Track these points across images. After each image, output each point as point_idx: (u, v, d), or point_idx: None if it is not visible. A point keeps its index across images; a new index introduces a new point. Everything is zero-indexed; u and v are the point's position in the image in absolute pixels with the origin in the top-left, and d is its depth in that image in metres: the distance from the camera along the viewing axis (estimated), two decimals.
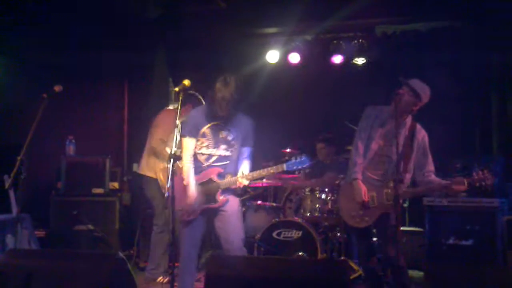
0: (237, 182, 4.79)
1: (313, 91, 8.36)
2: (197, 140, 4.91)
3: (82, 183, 6.99)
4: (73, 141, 7.24)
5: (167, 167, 6.02)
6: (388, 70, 7.87)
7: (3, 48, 8.07)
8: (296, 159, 4.80)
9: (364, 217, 4.96)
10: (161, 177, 6.13)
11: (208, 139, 4.89)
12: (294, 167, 4.81)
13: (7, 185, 5.43)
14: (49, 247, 6.67)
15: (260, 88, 8.29)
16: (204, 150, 4.90)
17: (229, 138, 4.89)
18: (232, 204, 4.93)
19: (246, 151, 4.98)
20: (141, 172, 6.30)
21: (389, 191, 4.82)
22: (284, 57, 8.19)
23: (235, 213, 4.94)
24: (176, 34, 8.29)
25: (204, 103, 5.93)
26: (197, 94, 6.13)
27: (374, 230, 5.32)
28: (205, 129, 4.90)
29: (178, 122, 4.59)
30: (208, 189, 4.87)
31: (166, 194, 4.62)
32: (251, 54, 8.41)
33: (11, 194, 6.09)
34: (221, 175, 4.88)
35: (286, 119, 8.49)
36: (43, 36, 7.83)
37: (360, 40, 7.84)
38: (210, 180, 4.87)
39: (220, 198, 4.84)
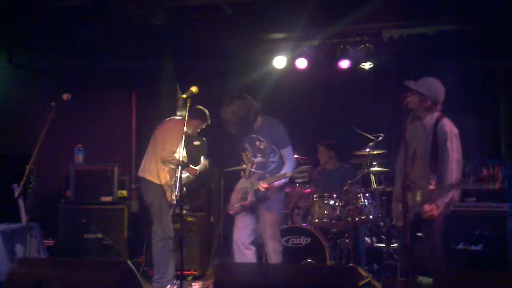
0: (258, 186, 5.32)
1: (320, 96, 8.36)
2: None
3: (90, 191, 7.00)
4: (82, 149, 7.26)
5: (173, 168, 6.06)
6: (395, 74, 7.86)
7: (12, 57, 8.11)
8: (299, 168, 5.35)
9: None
10: (167, 177, 6.12)
11: (249, 151, 5.53)
12: (297, 175, 5.49)
13: (16, 194, 5.44)
14: (58, 256, 6.68)
15: (267, 93, 8.30)
16: (248, 159, 5.54)
17: (262, 147, 5.45)
18: (268, 207, 5.41)
19: (285, 152, 5.47)
20: (141, 175, 6.28)
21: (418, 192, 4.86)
22: (291, 62, 8.19)
23: (267, 215, 5.41)
24: (183, 41, 8.31)
25: (209, 122, 6.35)
26: (203, 108, 6.21)
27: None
28: (246, 143, 5.54)
29: (185, 129, 4.61)
30: (245, 189, 5.46)
31: (174, 202, 4.68)
32: (258, 60, 8.42)
33: (21, 203, 6.13)
34: (260, 177, 5.38)
35: (293, 124, 8.41)
36: (51, 45, 7.87)
37: (367, 45, 7.82)
38: (250, 182, 5.44)
39: (249, 197, 5.39)
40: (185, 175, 6.26)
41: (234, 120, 5.27)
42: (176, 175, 6.00)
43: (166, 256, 6.11)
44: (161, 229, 6.11)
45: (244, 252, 5.40)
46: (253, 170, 5.46)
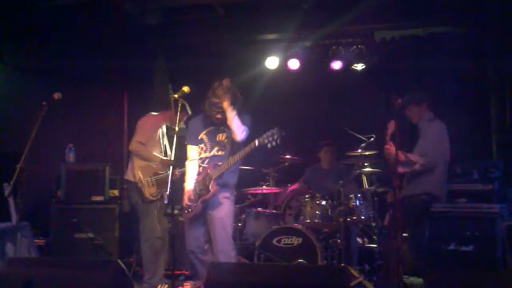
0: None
1: (312, 97, 8.36)
2: (198, 147, 5.23)
3: (82, 190, 6.97)
4: (73, 148, 7.24)
5: (147, 164, 6.02)
6: (388, 75, 7.89)
7: (3, 56, 8.08)
8: (267, 133, 4.81)
9: None
10: (139, 173, 6.06)
11: (204, 144, 5.21)
12: (266, 141, 4.76)
13: (6, 193, 5.43)
14: (49, 255, 6.65)
15: (259, 94, 8.31)
16: (202, 155, 5.23)
17: (224, 138, 5.18)
18: (222, 208, 5.14)
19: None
20: (125, 177, 6.29)
21: None
22: (284, 63, 8.20)
23: (223, 218, 5.13)
24: (176, 41, 8.30)
25: (190, 113, 6.16)
26: (185, 103, 6.19)
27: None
28: (202, 135, 5.22)
29: (176, 128, 4.62)
30: (203, 183, 5.11)
31: (166, 201, 4.69)
32: (250, 61, 8.42)
33: (11, 202, 6.08)
34: (215, 167, 5.08)
35: (285, 125, 8.40)
36: (42, 44, 7.84)
37: (359, 46, 7.85)
38: (207, 174, 5.11)
39: (211, 187, 5.02)
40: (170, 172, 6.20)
41: (228, 98, 5.09)
42: (161, 173, 6.00)
43: (154, 255, 6.07)
44: (147, 229, 6.09)
45: (204, 259, 5.21)
46: (204, 165, 5.20)
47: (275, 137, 4.73)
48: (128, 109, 8.33)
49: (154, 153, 6.11)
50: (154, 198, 6.08)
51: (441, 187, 5.73)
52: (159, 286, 6.03)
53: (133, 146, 6.09)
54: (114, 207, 6.99)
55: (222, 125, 5.19)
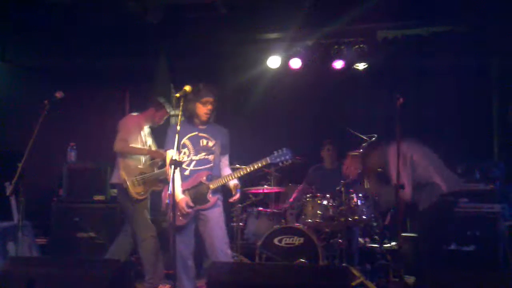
0: (231, 184, 5.13)
1: (314, 96, 8.36)
2: (181, 152, 5.18)
3: (83, 190, 6.98)
4: (75, 147, 7.24)
5: (133, 163, 6.00)
6: (390, 75, 7.87)
7: (5, 55, 8.09)
8: (278, 152, 5.05)
9: None
10: (123, 174, 5.98)
11: (188, 149, 5.19)
12: (278, 160, 5.04)
13: (8, 192, 5.43)
14: (50, 254, 6.66)
15: (261, 93, 8.31)
16: (185, 158, 5.18)
17: (210, 145, 5.24)
18: (215, 208, 5.16)
19: (226, 158, 5.38)
20: (111, 181, 6.22)
21: None
22: (285, 62, 8.18)
23: (217, 217, 5.15)
24: (178, 39, 8.30)
25: (167, 111, 6.24)
26: (162, 102, 6.24)
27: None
28: (185, 140, 5.21)
29: (178, 128, 4.61)
30: (198, 192, 5.11)
31: (167, 201, 4.67)
32: (252, 60, 8.41)
33: (12, 201, 6.10)
34: (209, 178, 5.13)
35: (287, 124, 8.48)
36: (44, 43, 7.84)
37: (361, 45, 7.82)
38: (200, 183, 5.13)
39: (211, 197, 5.11)
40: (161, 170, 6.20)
41: (212, 98, 5.18)
42: (165, 173, 5.95)
43: (152, 255, 6.00)
44: (142, 228, 6.03)
45: (190, 265, 5.16)
46: (191, 168, 5.16)
47: (287, 157, 5.05)
48: (130, 108, 8.33)
49: (139, 146, 6.06)
50: (142, 197, 5.99)
51: (449, 180, 5.25)
52: (160, 286, 6.02)
53: (118, 145, 5.97)
54: (116, 206, 6.98)
55: (204, 131, 5.25)
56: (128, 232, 6.23)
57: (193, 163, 5.19)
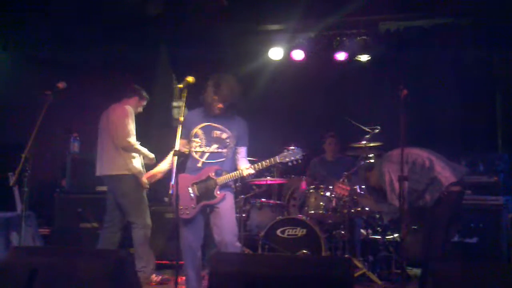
0: (242, 172, 4.95)
1: (316, 88, 8.35)
2: (191, 141, 5.07)
3: (86, 180, 6.99)
4: (78, 138, 7.24)
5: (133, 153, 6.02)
6: (392, 67, 7.86)
7: (7, 45, 8.07)
8: (288, 151, 4.94)
9: None
10: (133, 164, 6.06)
11: (200, 139, 5.06)
12: (287, 159, 4.91)
13: (11, 182, 5.44)
14: (53, 245, 6.67)
15: (263, 85, 8.30)
16: (197, 149, 5.06)
17: (223, 137, 5.05)
18: (227, 201, 5.03)
19: (243, 150, 5.17)
20: (106, 173, 6.17)
21: None
22: (288, 54, 8.17)
23: (228, 210, 5.04)
24: (179, 31, 8.28)
25: (147, 98, 6.32)
26: (142, 90, 6.31)
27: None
28: (197, 129, 5.07)
29: (181, 118, 4.60)
30: (206, 186, 4.98)
31: (171, 192, 4.66)
32: (254, 51, 8.40)
33: (16, 191, 6.12)
34: (218, 173, 4.99)
35: (290, 116, 8.49)
36: (46, 33, 7.82)
37: (364, 37, 7.81)
38: (208, 178, 4.99)
39: (218, 193, 4.95)
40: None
41: (231, 98, 4.98)
42: (167, 163, 5.95)
43: (147, 244, 6.08)
44: (144, 216, 6.08)
45: (198, 256, 5.07)
46: (203, 160, 5.02)
47: (297, 157, 4.93)
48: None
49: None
50: (148, 187, 6.10)
51: (456, 169, 5.07)
52: (153, 275, 6.03)
53: (132, 140, 6.03)
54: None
55: (219, 122, 5.06)
56: (115, 223, 6.16)
57: (206, 155, 5.04)
